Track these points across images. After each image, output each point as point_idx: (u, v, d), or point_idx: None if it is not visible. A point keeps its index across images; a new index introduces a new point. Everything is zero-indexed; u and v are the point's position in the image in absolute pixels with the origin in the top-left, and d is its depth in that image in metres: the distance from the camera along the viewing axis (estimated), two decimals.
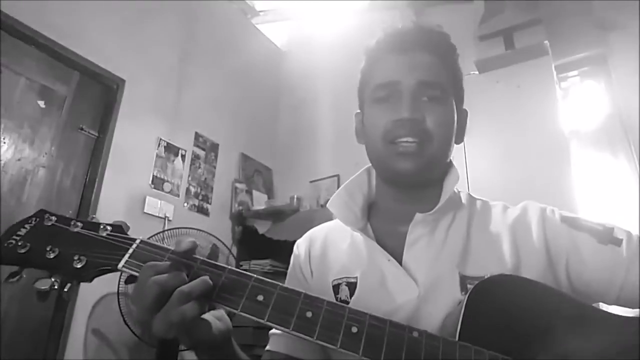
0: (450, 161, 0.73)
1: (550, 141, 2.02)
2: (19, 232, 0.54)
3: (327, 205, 0.76)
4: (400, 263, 0.66)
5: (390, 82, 0.68)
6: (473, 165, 2.10)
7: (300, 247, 0.81)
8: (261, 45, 3.81)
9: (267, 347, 0.74)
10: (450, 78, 0.71)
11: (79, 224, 0.56)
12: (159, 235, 2.33)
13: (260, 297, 0.49)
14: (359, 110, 0.78)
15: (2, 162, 1.99)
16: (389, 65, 0.69)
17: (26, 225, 0.55)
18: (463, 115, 0.75)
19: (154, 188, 2.58)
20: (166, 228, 2.48)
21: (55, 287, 0.53)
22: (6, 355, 1.83)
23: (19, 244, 0.53)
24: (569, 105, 2.52)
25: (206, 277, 0.49)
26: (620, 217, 1.98)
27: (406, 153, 0.65)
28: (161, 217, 2.56)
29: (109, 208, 2.30)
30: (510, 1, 2.34)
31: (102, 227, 0.55)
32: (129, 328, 2.05)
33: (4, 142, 2.02)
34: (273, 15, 3.73)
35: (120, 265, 0.52)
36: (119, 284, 2.05)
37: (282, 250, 2.45)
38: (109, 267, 0.53)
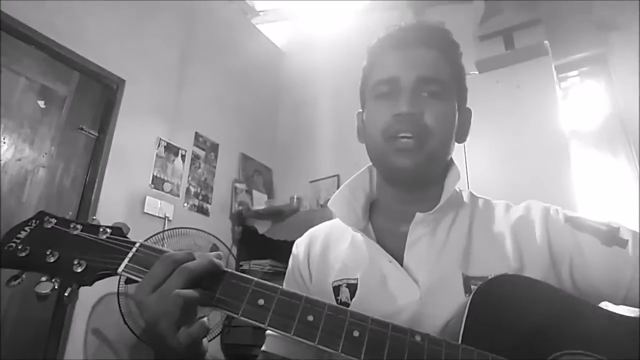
0: (451, 159, 0.72)
1: (550, 141, 2.01)
2: (19, 235, 0.53)
3: (329, 204, 0.74)
4: (401, 264, 0.64)
5: (390, 78, 0.67)
6: (473, 165, 2.09)
7: (299, 246, 0.80)
8: (261, 45, 3.81)
9: (263, 348, 0.73)
10: (452, 74, 0.69)
11: (78, 226, 0.55)
12: (158, 235, 2.33)
13: (261, 301, 0.49)
14: (360, 110, 0.77)
15: (2, 162, 1.98)
16: (389, 61, 0.69)
17: (26, 228, 0.54)
18: (466, 114, 0.74)
19: (154, 188, 2.58)
20: (166, 228, 2.48)
21: (56, 287, 0.52)
22: (6, 355, 1.83)
23: (19, 247, 0.52)
24: (569, 105, 2.52)
25: (211, 257, 0.51)
26: (620, 217, 1.97)
27: (405, 149, 0.64)
28: (161, 217, 2.55)
29: (109, 208, 2.30)
30: (510, 1, 2.33)
31: (101, 229, 0.55)
32: (129, 328, 2.05)
33: (4, 142, 2.02)
34: (273, 15, 3.73)
35: (119, 270, 0.52)
36: (119, 284, 2.05)
37: (282, 250, 2.45)
38: (109, 272, 0.52)
